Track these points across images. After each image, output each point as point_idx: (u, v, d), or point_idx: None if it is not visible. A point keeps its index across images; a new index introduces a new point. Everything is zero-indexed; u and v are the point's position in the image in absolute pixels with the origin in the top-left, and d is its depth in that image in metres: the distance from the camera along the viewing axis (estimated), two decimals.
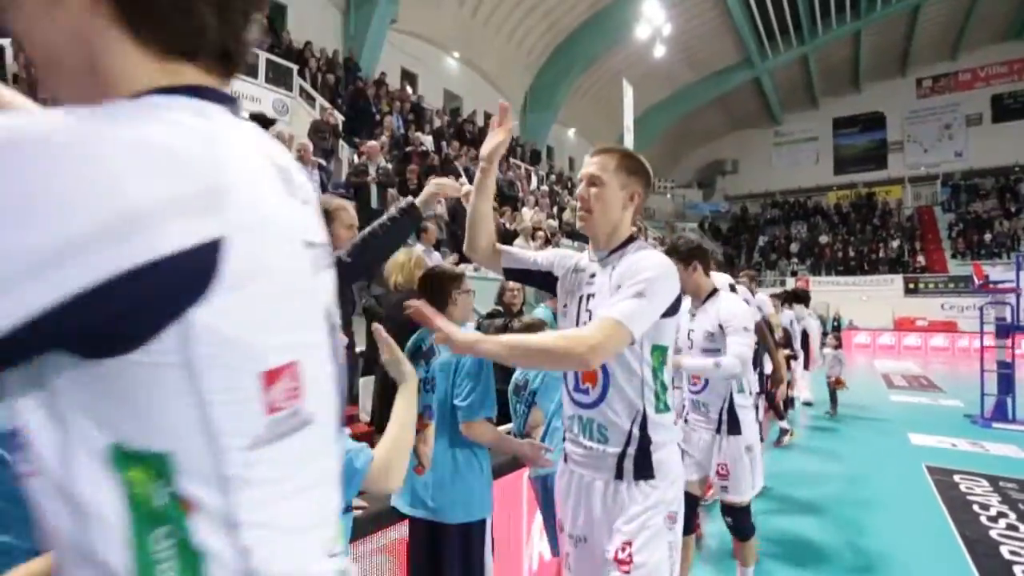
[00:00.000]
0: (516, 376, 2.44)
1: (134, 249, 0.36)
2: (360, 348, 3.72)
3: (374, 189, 6.42)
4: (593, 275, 1.49)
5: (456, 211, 6.80)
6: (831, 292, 20.49)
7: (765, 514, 3.84)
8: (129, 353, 0.38)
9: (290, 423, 0.46)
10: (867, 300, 20.39)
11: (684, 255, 2.40)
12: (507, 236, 7.40)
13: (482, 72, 18.50)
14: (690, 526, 2.58)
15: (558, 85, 19.13)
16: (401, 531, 1.96)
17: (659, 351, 1.43)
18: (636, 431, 1.40)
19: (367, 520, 1.85)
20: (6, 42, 4.48)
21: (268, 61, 9.11)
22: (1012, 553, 3.28)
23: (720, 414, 2.58)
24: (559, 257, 1.61)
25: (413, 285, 2.66)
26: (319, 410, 0.50)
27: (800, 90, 26.61)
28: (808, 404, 7.83)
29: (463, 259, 5.63)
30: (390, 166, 7.52)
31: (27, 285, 0.34)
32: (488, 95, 18.37)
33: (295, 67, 9.59)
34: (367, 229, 1.96)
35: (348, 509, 1.28)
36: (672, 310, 1.39)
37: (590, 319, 1.42)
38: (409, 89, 13.45)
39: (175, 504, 0.41)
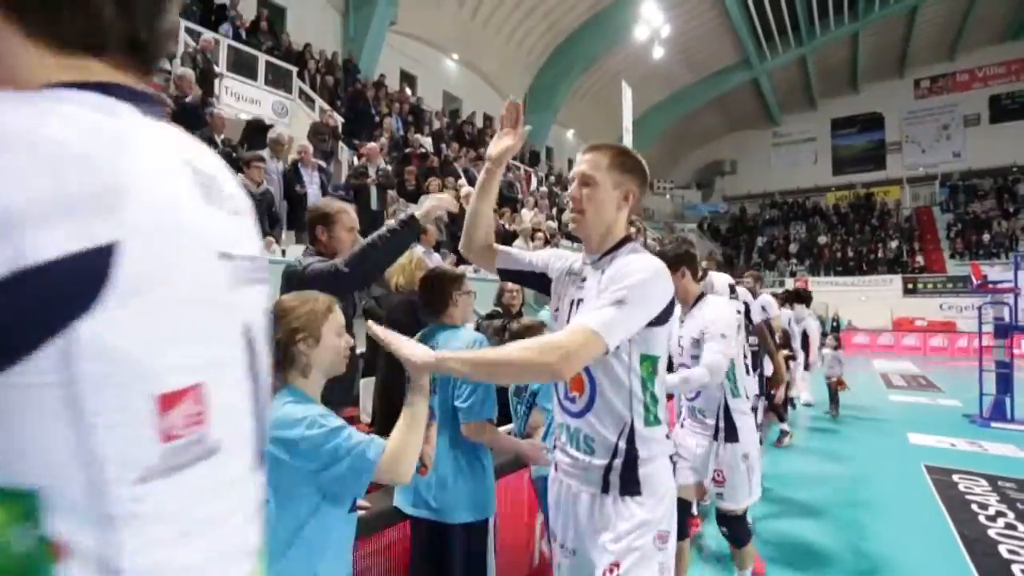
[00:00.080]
0: None
1: (6, 254, 0.32)
2: (360, 349, 3.72)
3: (374, 191, 6.43)
4: (584, 279, 1.43)
5: (455, 212, 6.80)
6: (830, 292, 20.51)
7: (764, 515, 3.86)
8: (0, 373, 0.33)
9: (191, 452, 0.41)
10: (866, 300, 20.42)
11: (671, 260, 2.27)
12: (507, 237, 7.42)
13: (481, 73, 18.53)
14: (684, 531, 2.52)
15: (557, 86, 19.16)
16: (404, 531, 1.97)
17: (649, 361, 1.35)
18: (623, 444, 1.33)
19: (370, 520, 1.86)
20: None
21: (267, 63, 9.13)
22: (1010, 552, 3.29)
23: (717, 420, 2.51)
24: (554, 258, 1.56)
25: (414, 286, 2.66)
26: (229, 437, 0.44)
27: (798, 91, 26.64)
28: (808, 405, 7.85)
29: (462, 260, 5.64)
30: (389, 168, 7.53)
31: None
32: (487, 96, 18.40)
33: (294, 69, 9.62)
34: (366, 240, 1.97)
35: (353, 509, 1.29)
36: (663, 318, 1.32)
37: None
38: (408, 91, 13.47)
39: (43, 550, 0.35)
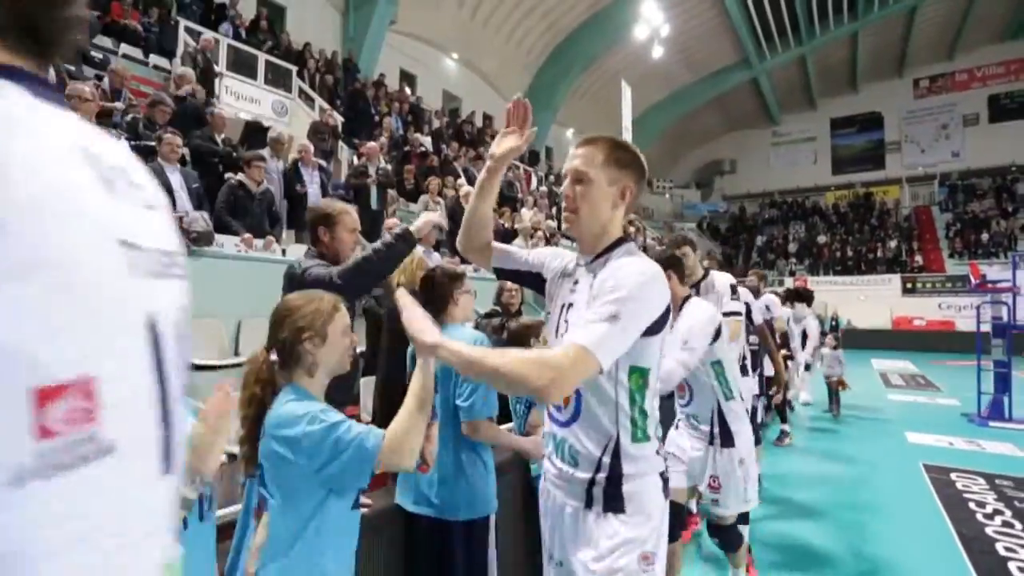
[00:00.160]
0: None
1: None
2: (360, 348, 3.74)
3: (374, 190, 6.44)
4: (577, 281, 1.36)
5: (456, 212, 6.82)
6: (829, 292, 20.52)
7: (763, 514, 3.87)
8: None
9: (78, 452, 0.36)
10: (865, 300, 20.44)
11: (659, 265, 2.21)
12: (507, 236, 7.43)
13: (481, 73, 18.54)
14: (676, 533, 2.47)
15: (557, 86, 19.17)
16: (405, 529, 1.99)
17: (639, 374, 1.27)
18: (607, 460, 1.26)
19: (371, 518, 1.87)
20: None
21: (267, 62, 9.13)
22: (1007, 550, 3.31)
23: (711, 426, 2.44)
24: (550, 258, 1.50)
25: (415, 286, 2.68)
26: (127, 438, 0.40)
27: (798, 90, 26.65)
28: (807, 404, 7.87)
29: (463, 259, 5.62)
30: (389, 167, 7.54)
31: None
32: (487, 96, 18.42)
33: (294, 68, 9.61)
34: (362, 254, 2.01)
35: (356, 506, 1.30)
36: (656, 328, 1.23)
37: (567, 331, 1.30)
38: (408, 90, 13.47)
39: None
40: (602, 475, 1.26)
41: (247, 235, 4.73)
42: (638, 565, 1.23)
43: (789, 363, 6.13)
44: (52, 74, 4.49)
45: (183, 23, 8.20)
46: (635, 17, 16.35)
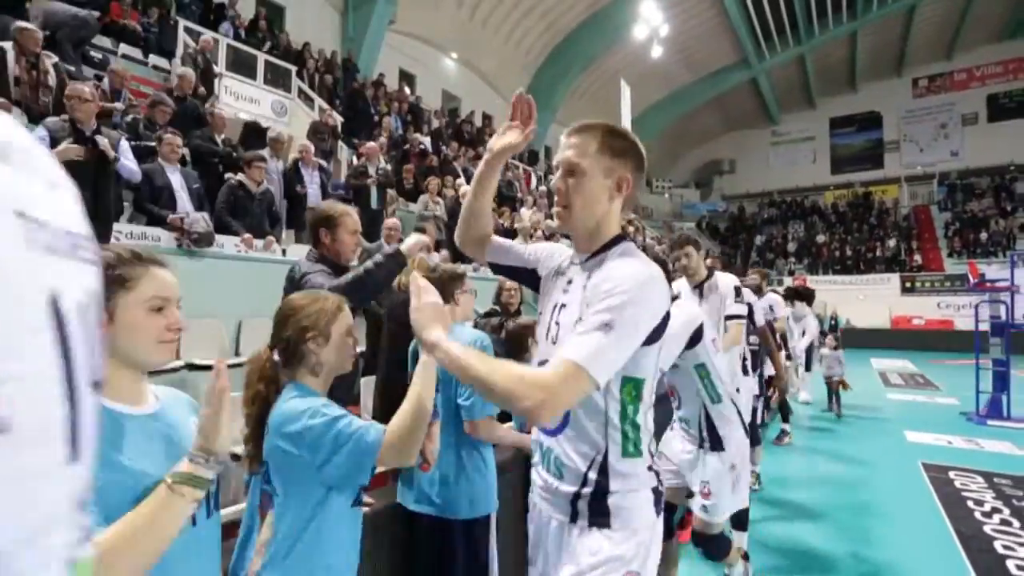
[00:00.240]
0: None
1: None
2: (360, 348, 3.75)
3: (374, 190, 6.45)
4: (570, 281, 1.27)
5: (455, 211, 6.83)
6: (828, 291, 20.53)
7: (761, 512, 3.89)
8: None
9: None
10: (864, 299, 20.46)
11: None
12: (506, 236, 7.39)
13: (480, 73, 18.54)
14: (671, 530, 2.42)
15: (556, 85, 19.18)
16: (406, 527, 2.00)
17: (632, 385, 1.17)
18: (592, 475, 1.18)
19: (373, 516, 1.88)
20: (8, 45, 4.50)
21: (266, 62, 9.14)
22: (1005, 548, 3.33)
23: (700, 430, 2.39)
24: (546, 255, 1.41)
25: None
26: (25, 417, 0.38)
27: (797, 90, 26.67)
28: (807, 403, 7.89)
29: (462, 259, 5.65)
30: (389, 167, 7.55)
31: None
32: (486, 96, 18.43)
33: (293, 68, 9.62)
34: (352, 273, 2.05)
35: (358, 504, 1.31)
36: (654, 336, 1.14)
37: (558, 335, 1.22)
38: (407, 90, 13.47)
39: None
40: (587, 490, 1.18)
41: (247, 235, 4.74)
42: None
43: (788, 362, 6.14)
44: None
45: (182, 23, 8.20)
46: (634, 17, 16.37)
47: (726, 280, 3.14)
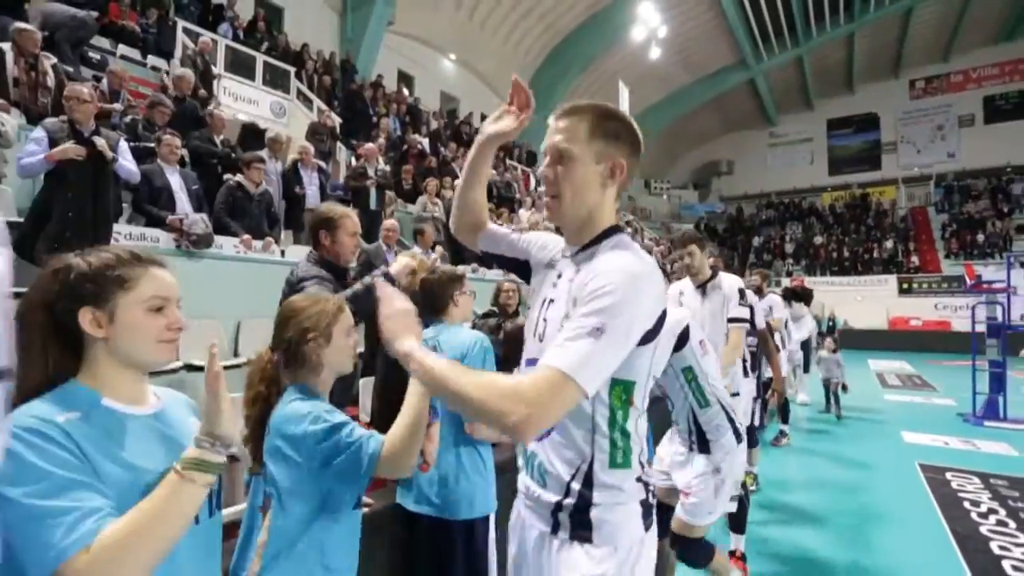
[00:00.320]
0: None
1: None
2: (359, 349, 3.75)
3: (373, 192, 6.45)
4: (560, 275, 1.17)
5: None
6: (826, 292, 20.56)
7: (759, 514, 3.90)
8: None
9: None
10: (861, 300, 20.52)
11: None
12: None
13: (479, 74, 18.56)
14: (665, 529, 2.34)
15: (555, 87, 19.17)
16: (406, 528, 2.00)
17: (621, 388, 1.08)
18: (575, 485, 1.09)
19: (372, 517, 1.89)
20: (6, 46, 4.49)
21: (265, 63, 9.14)
22: (1001, 548, 3.34)
23: (689, 433, 2.35)
24: (538, 246, 1.31)
25: (415, 287, 2.71)
26: None
27: (794, 91, 26.75)
28: (805, 404, 7.90)
29: (462, 260, 5.65)
30: (388, 168, 7.56)
31: None
32: (485, 97, 18.45)
33: (292, 69, 9.63)
34: (347, 292, 2.05)
35: (358, 505, 1.32)
36: (649, 336, 1.04)
37: (546, 331, 1.13)
38: (406, 91, 13.48)
39: None
40: (569, 501, 1.09)
41: (246, 236, 4.74)
42: None
43: (785, 363, 6.15)
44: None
45: (181, 24, 8.20)
46: (632, 18, 16.42)
47: (730, 281, 3.08)
